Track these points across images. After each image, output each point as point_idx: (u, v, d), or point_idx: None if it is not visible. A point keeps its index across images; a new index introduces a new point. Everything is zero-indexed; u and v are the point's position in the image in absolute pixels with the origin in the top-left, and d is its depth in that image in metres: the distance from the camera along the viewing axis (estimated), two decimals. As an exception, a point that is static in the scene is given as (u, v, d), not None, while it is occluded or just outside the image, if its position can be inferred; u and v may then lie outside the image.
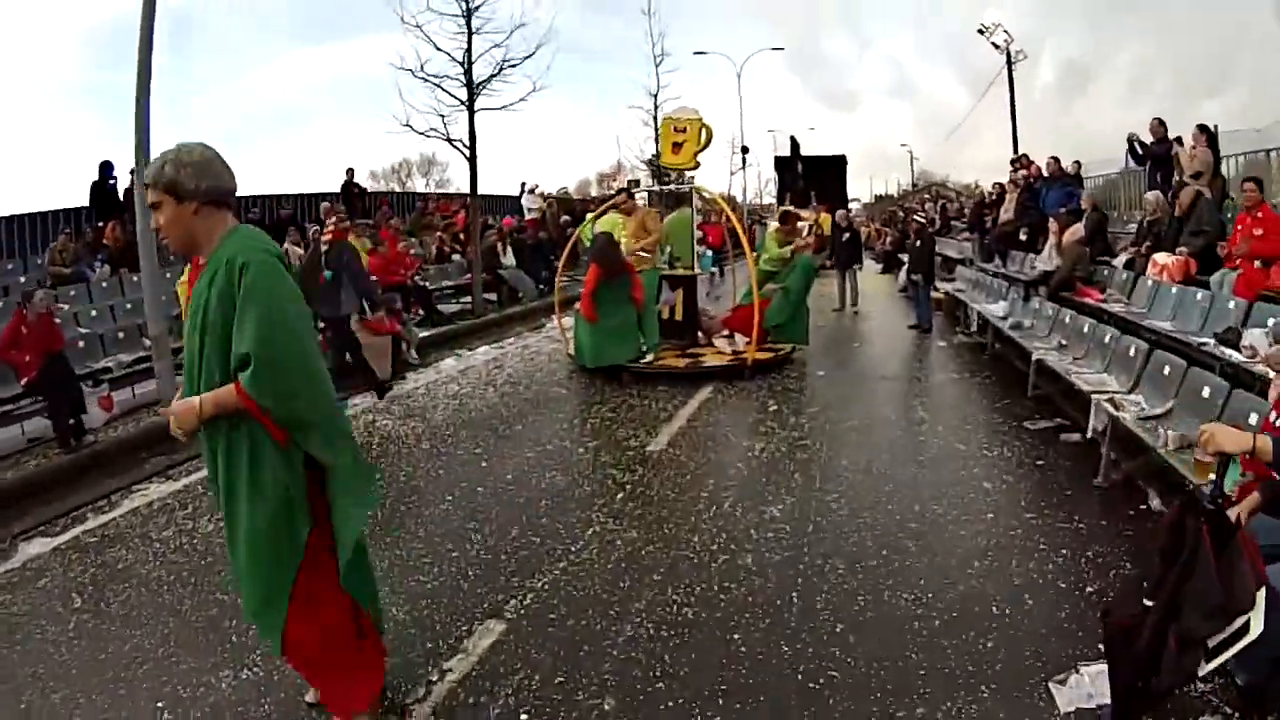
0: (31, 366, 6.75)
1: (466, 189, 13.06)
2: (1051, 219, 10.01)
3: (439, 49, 11.56)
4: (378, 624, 2.93)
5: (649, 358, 8.47)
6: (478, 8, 11.58)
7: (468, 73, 11.70)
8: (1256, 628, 2.18)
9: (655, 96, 21.41)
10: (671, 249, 9.51)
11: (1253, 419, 3.89)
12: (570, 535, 4.40)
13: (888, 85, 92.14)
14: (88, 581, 4.21)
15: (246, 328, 2.32)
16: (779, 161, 27.66)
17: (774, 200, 29.33)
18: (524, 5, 36.69)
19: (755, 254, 9.44)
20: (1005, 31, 23.96)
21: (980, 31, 24.14)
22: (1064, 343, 6.99)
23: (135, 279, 10.49)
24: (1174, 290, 7.31)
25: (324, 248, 8.14)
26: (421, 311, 11.58)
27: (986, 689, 2.92)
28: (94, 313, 9.88)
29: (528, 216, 19.10)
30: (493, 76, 11.81)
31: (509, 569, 4.06)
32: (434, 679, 3.12)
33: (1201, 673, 2.37)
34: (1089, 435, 5.18)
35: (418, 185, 51.96)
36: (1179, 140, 9.69)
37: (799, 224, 11.68)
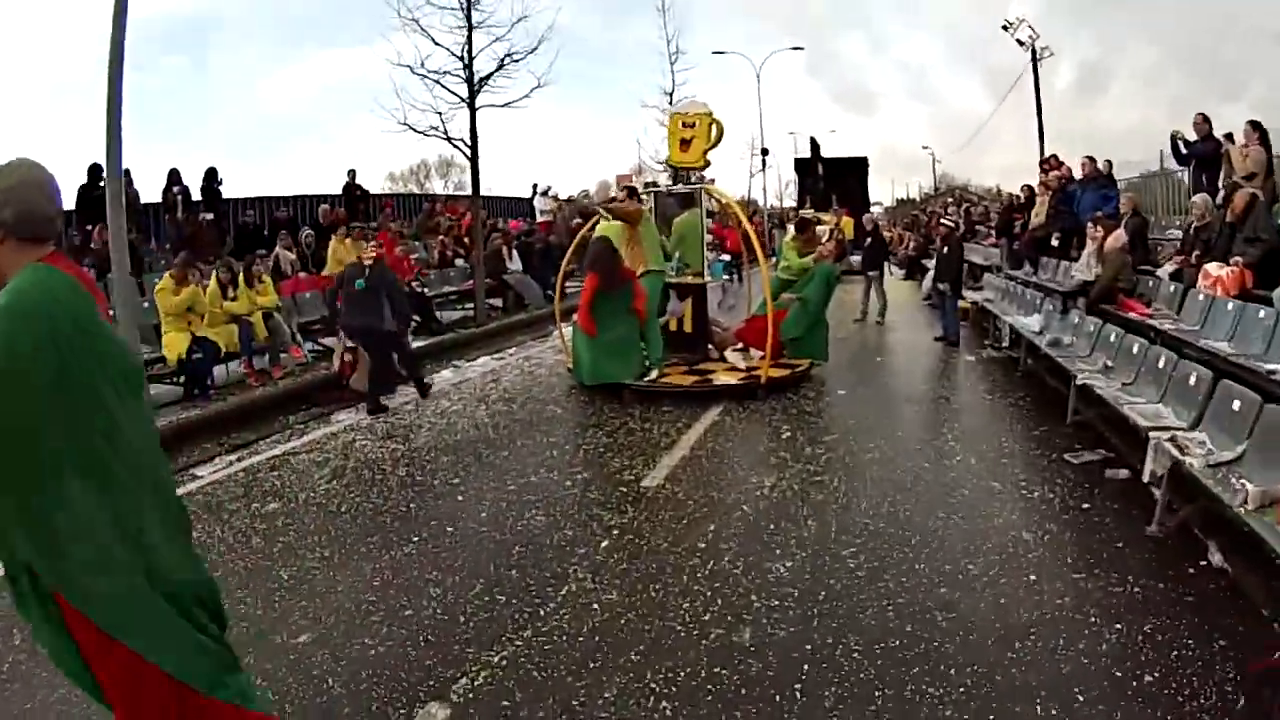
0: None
1: (487, 191, 12.52)
2: (1090, 223, 9.25)
3: (438, 44, 11.03)
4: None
5: (653, 375, 7.86)
6: (478, 1, 11.03)
7: (468, 68, 11.15)
8: None
9: (670, 95, 20.82)
10: (680, 255, 8.87)
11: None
12: (541, 594, 3.80)
13: (908, 88, 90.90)
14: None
15: None
16: (799, 164, 27.01)
17: (794, 203, 28.62)
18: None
19: (773, 260, 8.81)
20: (1030, 27, 23.06)
21: (1004, 28, 23.27)
22: (1109, 364, 6.28)
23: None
24: (1230, 306, 6.57)
25: (367, 264, 7.84)
26: (418, 319, 11.04)
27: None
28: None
29: (540, 219, 18.57)
30: (494, 72, 11.26)
31: (465, 635, 3.46)
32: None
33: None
34: (1146, 479, 4.49)
35: (436, 187, 51.60)
36: (1229, 137, 8.93)
37: (818, 229, 11.09)
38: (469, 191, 12.35)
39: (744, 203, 38.51)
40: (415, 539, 4.55)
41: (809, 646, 3.26)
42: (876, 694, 2.94)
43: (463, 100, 11.29)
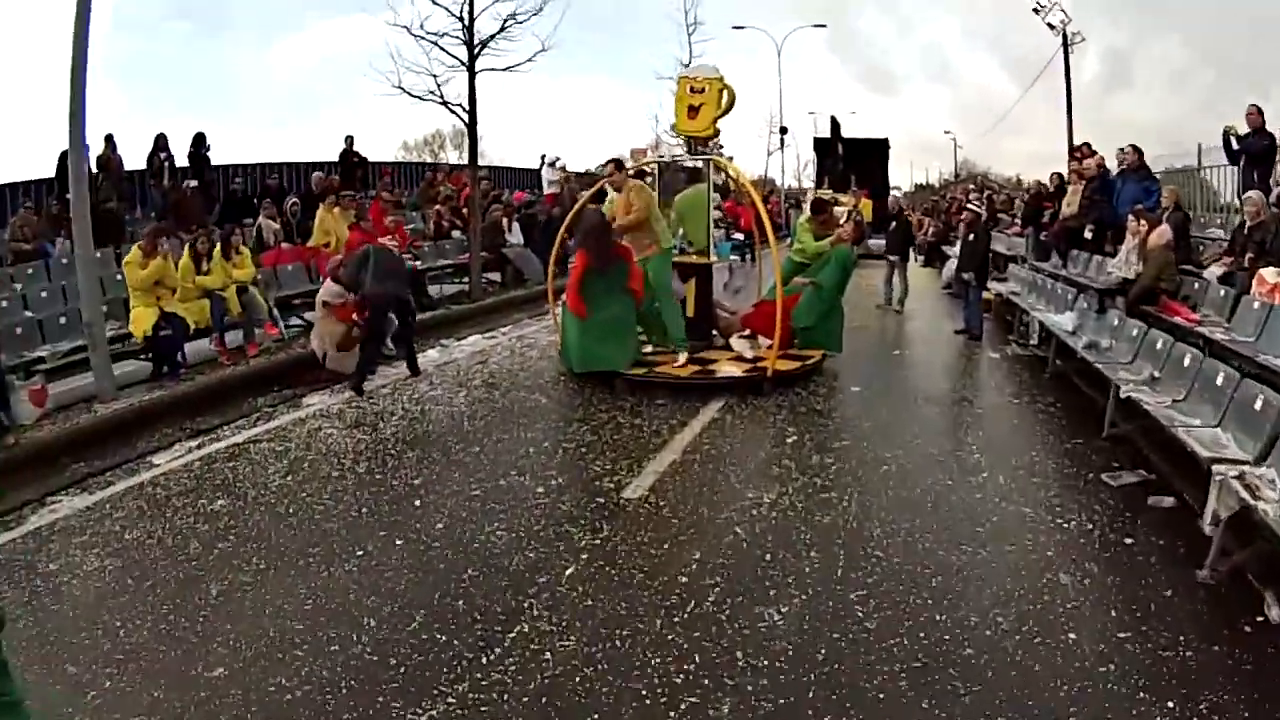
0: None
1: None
2: (1133, 217, 8.50)
3: (436, 3, 10.30)
4: None
5: (681, 359, 7.24)
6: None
7: (469, 30, 10.45)
8: None
9: (687, 67, 19.99)
10: (684, 233, 8.20)
11: None
12: (488, 635, 3.21)
13: (931, 71, 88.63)
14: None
15: None
16: (818, 143, 26.13)
17: (813, 184, 27.76)
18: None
19: (787, 240, 8.14)
20: (1063, 10, 21.96)
21: (1035, 10, 22.19)
22: (1156, 375, 5.61)
23: (98, 255, 9.54)
24: (1292, 317, 5.89)
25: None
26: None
27: None
28: (44, 293, 8.88)
29: (546, 191, 17.89)
30: (497, 34, 10.54)
31: (392, 684, 2.91)
32: None
33: None
34: (1207, 523, 3.83)
35: (450, 157, 50.68)
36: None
37: (836, 210, 10.39)
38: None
39: (761, 181, 37.87)
40: (360, 553, 4.00)
41: (802, 725, 2.66)
42: (883, 799, 2.35)
43: (462, 64, 10.59)
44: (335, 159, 14.45)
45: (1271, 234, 7.24)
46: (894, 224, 12.69)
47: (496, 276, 12.96)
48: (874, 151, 24.38)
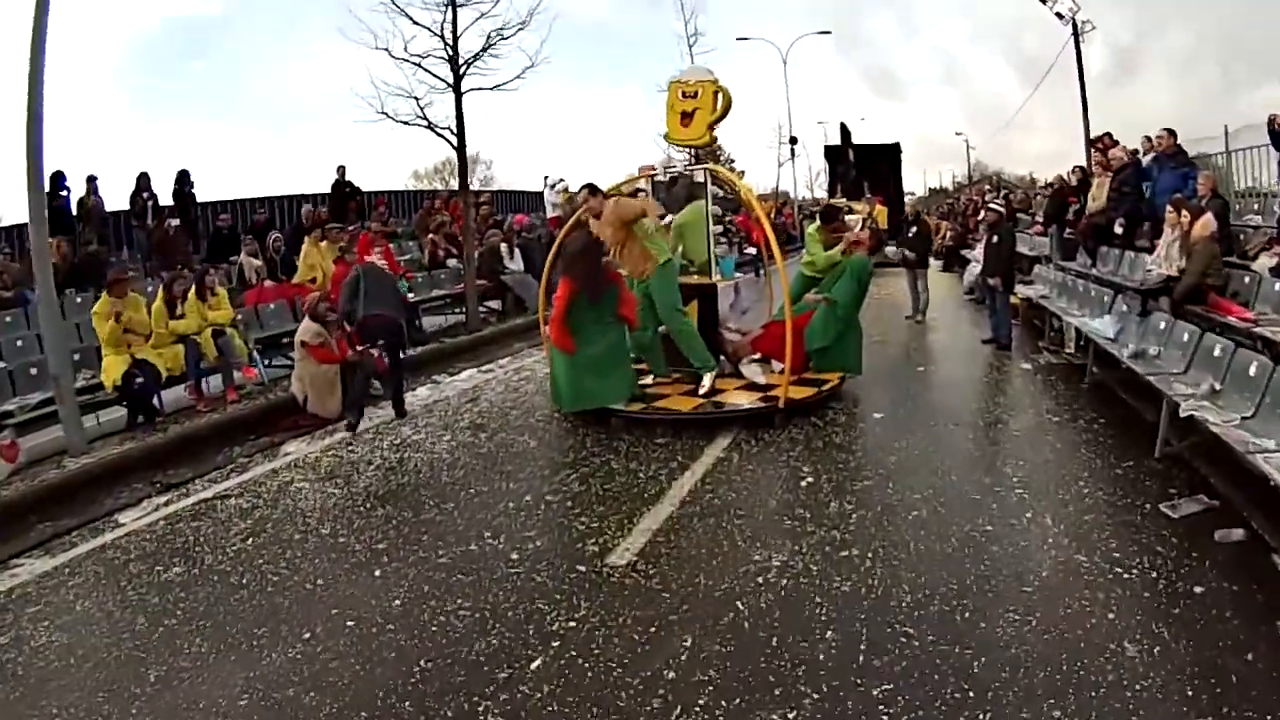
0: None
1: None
2: (1172, 208, 7.80)
3: (416, 22, 9.85)
4: None
5: (707, 383, 6.61)
6: (462, -29, 9.85)
7: (453, 49, 9.99)
8: None
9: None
10: (683, 250, 7.55)
11: None
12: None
13: (938, 74, 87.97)
14: None
15: None
16: (829, 151, 25.48)
17: (825, 193, 27.12)
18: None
19: (803, 254, 7.52)
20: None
21: (1042, 0, 21.43)
22: (1217, 386, 4.93)
23: (79, 300, 9.20)
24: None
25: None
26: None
27: None
28: (19, 342, 8.46)
29: (550, 214, 17.37)
30: (482, 52, 10.07)
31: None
32: None
33: None
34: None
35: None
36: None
37: (849, 219, 9.75)
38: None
39: (774, 193, 37.31)
40: (307, 635, 3.50)
41: None
42: None
43: (447, 84, 10.12)
44: (328, 190, 14.02)
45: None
46: (915, 230, 11.96)
47: (497, 304, 12.45)
48: (886, 157, 23.68)
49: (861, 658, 3.05)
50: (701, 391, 6.58)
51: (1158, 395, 5.23)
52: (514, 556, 4.13)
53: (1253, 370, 4.68)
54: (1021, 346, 9.03)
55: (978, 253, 12.91)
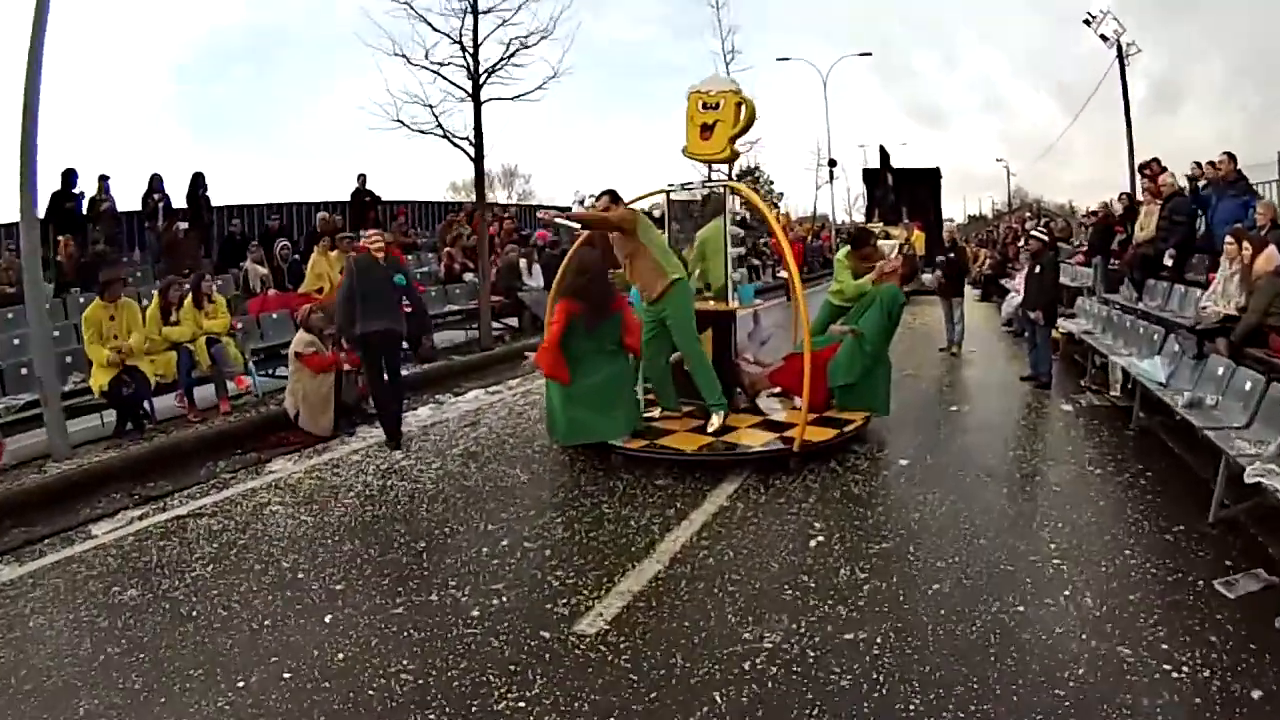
0: None
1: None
2: (1231, 239, 7.14)
3: (435, 29, 9.55)
4: None
5: (715, 423, 5.97)
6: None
7: (474, 57, 9.68)
8: None
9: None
10: (700, 273, 6.97)
11: None
12: None
13: (979, 101, 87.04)
14: None
15: None
16: (867, 174, 24.91)
17: (863, 217, 26.54)
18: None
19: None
20: (1115, 20, 20.38)
21: (1086, 22, 20.71)
22: (1289, 444, 4.33)
23: (81, 300, 9.02)
24: None
25: (379, 257, 6.65)
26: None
27: None
28: (16, 341, 8.27)
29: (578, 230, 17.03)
30: (504, 61, 9.74)
31: None
32: None
33: None
34: None
35: (499, 198, 50.39)
36: None
37: (884, 244, 9.21)
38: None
39: (812, 217, 36.77)
40: (241, 684, 3.18)
41: None
42: None
43: (467, 94, 9.81)
44: (348, 199, 13.78)
45: None
46: (950, 255, 11.31)
47: (514, 322, 12.08)
48: (926, 181, 23.05)
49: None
50: (709, 430, 6.00)
51: (1213, 448, 4.66)
52: (474, 613, 3.67)
53: (1332, 430, 4.10)
54: (1061, 384, 8.42)
55: (1018, 282, 12.28)
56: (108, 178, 10.80)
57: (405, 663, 3.25)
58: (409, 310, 6.80)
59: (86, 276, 9.45)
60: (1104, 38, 20.45)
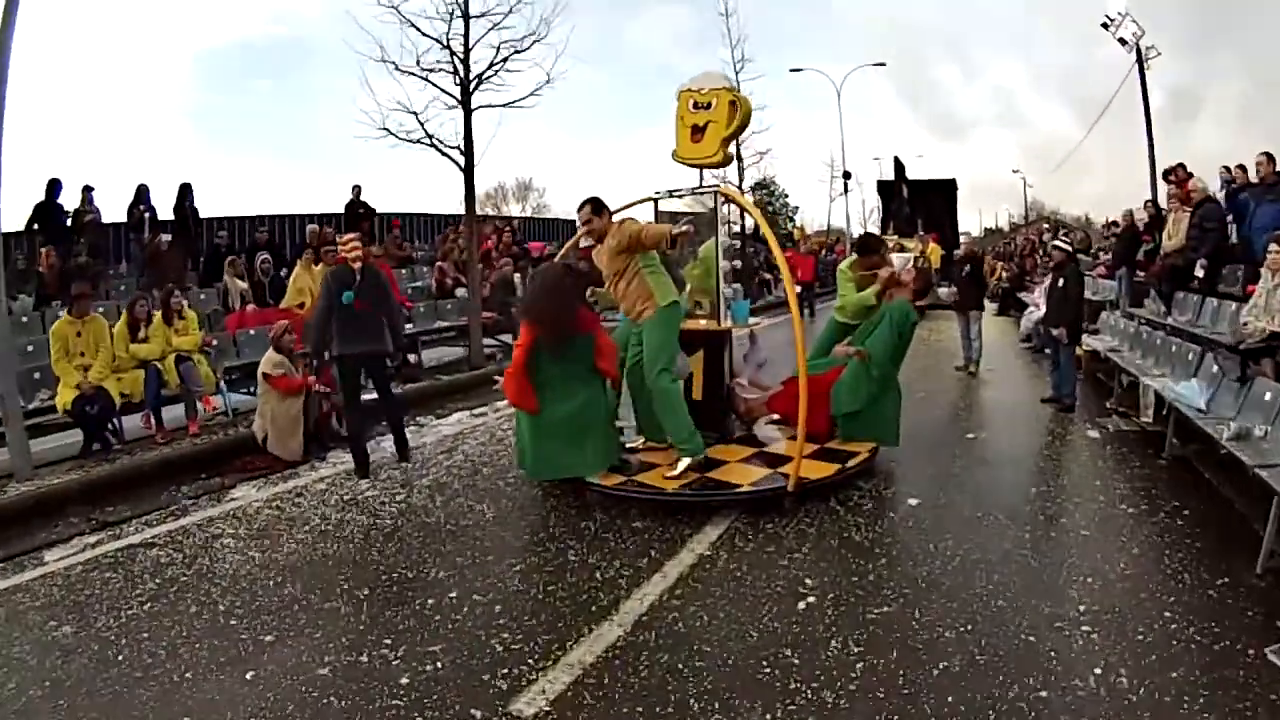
0: None
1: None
2: (1276, 246, 6.54)
3: (424, 34, 9.15)
4: None
5: (680, 468, 5.28)
6: (475, -20, 9.15)
7: (464, 62, 9.28)
8: None
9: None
10: (691, 289, 6.36)
11: None
12: None
13: (996, 113, 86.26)
14: None
15: None
16: (882, 186, 24.55)
17: (878, 229, 25.94)
18: None
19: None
20: (1135, 23, 19.87)
21: (1105, 25, 20.22)
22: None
23: (60, 314, 8.66)
24: None
25: (356, 268, 6.18)
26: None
27: None
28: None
29: (584, 243, 16.61)
30: (495, 66, 9.34)
31: None
32: None
33: None
34: None
35: (513, 210, 50.14)
36: None
37: (895, 256, 8.66)
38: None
39: (826, 230, 36.26)
40: None
41: None
42: None
43: (456, 100, 9.40)
44: (342, 210, 13.42)
45: None
46: (968, 269, 10.70)
47: (509, 338, 11.60)
48: (941, 191, 22.58)
49: None
50: (670, 475, 5.26)
51: (1264, 487, 4.11)
52: (404, 681, 3.17)
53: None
54: (1086, 407, 7.85)
55: (1038, 297, 11.71)
56: (92, 188, 10.57)
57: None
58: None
59: (69, 288, 9.14)
60: (1123, 41, 19.98)
